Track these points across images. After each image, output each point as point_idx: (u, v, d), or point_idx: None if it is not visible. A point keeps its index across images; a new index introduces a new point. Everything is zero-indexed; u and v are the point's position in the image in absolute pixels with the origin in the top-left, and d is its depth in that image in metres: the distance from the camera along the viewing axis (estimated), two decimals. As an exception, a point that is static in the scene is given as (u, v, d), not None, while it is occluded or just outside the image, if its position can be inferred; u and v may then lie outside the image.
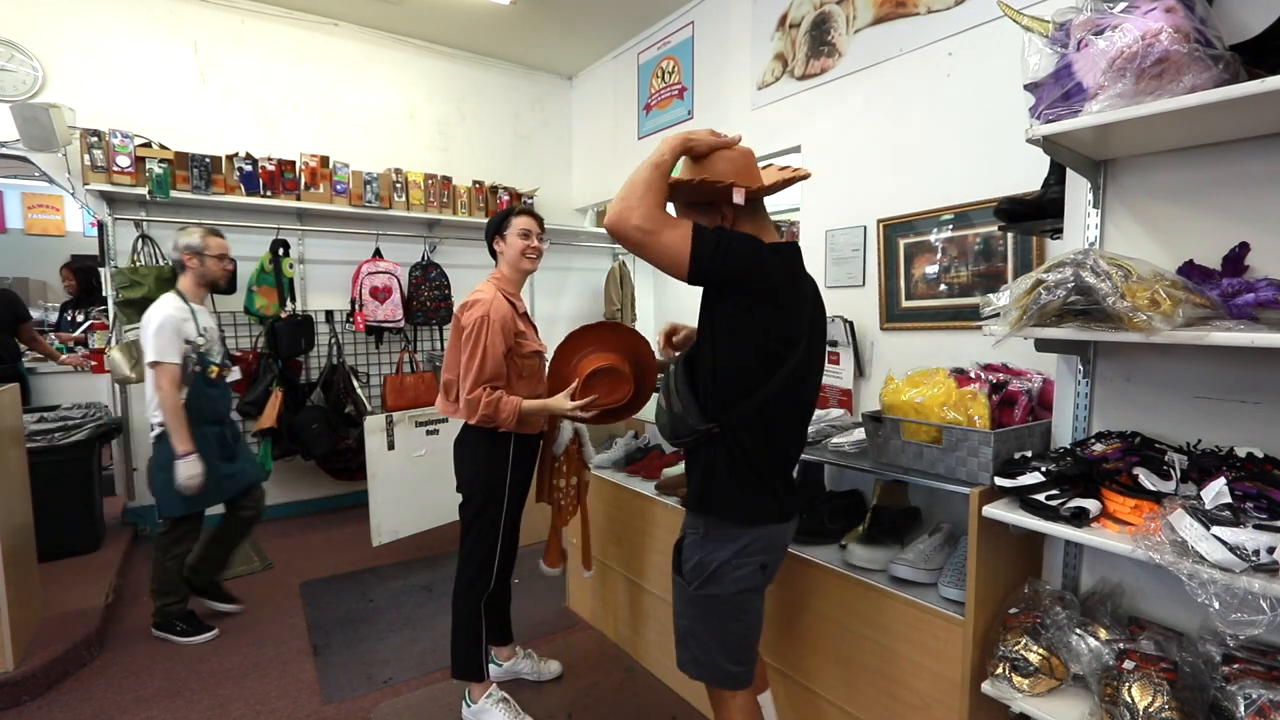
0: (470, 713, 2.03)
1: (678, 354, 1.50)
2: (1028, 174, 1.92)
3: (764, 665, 1.75)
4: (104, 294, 4.94)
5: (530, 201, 4.61)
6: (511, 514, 2.04)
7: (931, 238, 2.41)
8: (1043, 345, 1.39)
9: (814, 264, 2.87)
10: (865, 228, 2.66)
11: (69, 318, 4.78)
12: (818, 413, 2.28)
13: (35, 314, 4.67)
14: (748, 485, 1.35)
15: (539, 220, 2.08)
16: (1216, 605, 0.99)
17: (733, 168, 1.36)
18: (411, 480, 3.24)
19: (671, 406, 1.39)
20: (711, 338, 1.32)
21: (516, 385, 1.96)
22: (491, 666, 2.19)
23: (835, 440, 1.91)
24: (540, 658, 2.35)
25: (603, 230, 4.88)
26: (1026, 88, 1.30)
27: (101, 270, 3.60)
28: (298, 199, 3.79)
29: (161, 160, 3.38)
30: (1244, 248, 1.23)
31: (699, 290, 1.37)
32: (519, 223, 2.04)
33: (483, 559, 2.00)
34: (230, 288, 3.62)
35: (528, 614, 2.75)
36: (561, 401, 1.86)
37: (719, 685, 1.43)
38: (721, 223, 1.38)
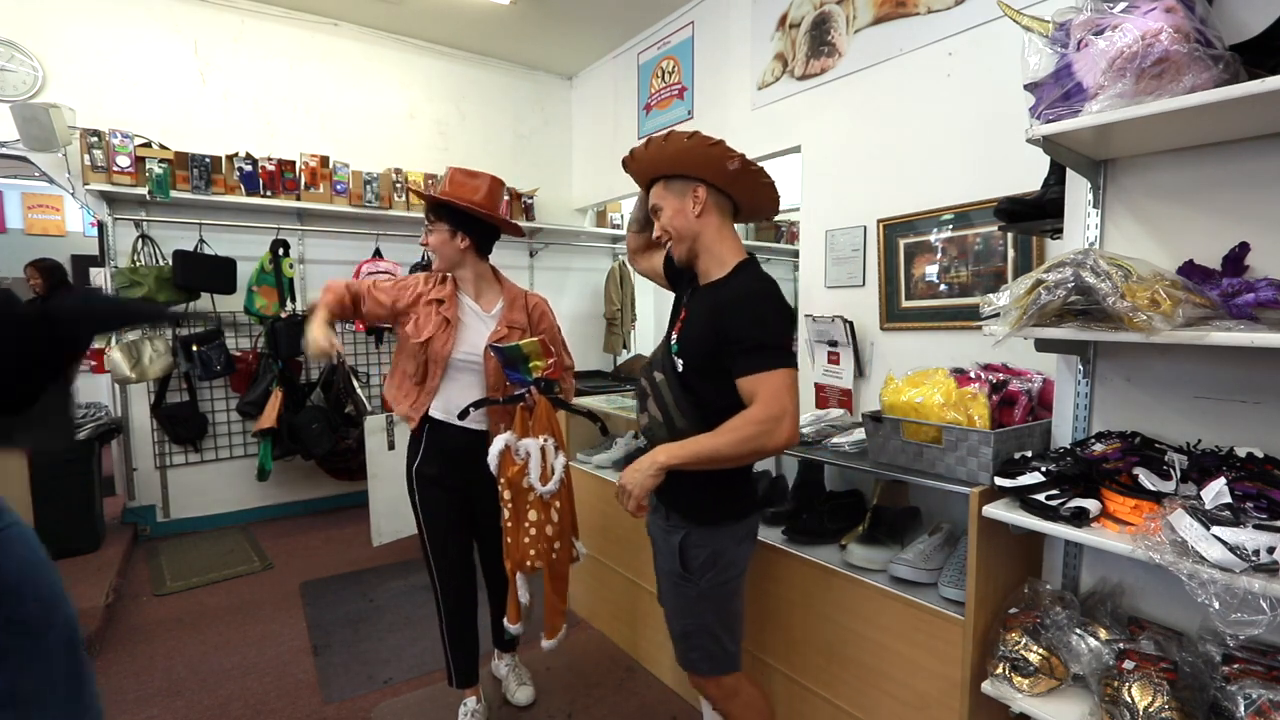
0: None
1: (657, 375, 1.48)
2: (1028, 174, 1.91)
3: None
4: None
5: (529, 201, 4.60)
6: (433, 521, 1.91)
7: (931, 238, 2.41)
8: (1043, 345, 1.39)
9: (814, 264, 2.89)
10: (865, 228, 2.66)
11: None
12: (818, 413, 2.28)
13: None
14: (739, 481, 1.50)
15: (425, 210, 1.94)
16: (1216, 605, 0.99)
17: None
18: (411, 480, 3.24)
19: (672, 421, 1.43)
20: (717, 373, 1.38)
21: (401, 359, 1.93)
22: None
23: (835, 440, 1.90)
24: (520, 681, 2.18)
25: (603, 230, 4.93)
26: (1026, 88, 1.30)
27: (101, 270, 3.60)
28: (298, 199, 3.79)
29: (161, 160, 3.38)
30: (1244, 248, 1.23)
31: None
32: None
33: (429, 568, 1.96)
34: (230, 287, 3.63)
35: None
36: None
37: (728, 670, 1.50)
38: (693, 207, 1.42)
